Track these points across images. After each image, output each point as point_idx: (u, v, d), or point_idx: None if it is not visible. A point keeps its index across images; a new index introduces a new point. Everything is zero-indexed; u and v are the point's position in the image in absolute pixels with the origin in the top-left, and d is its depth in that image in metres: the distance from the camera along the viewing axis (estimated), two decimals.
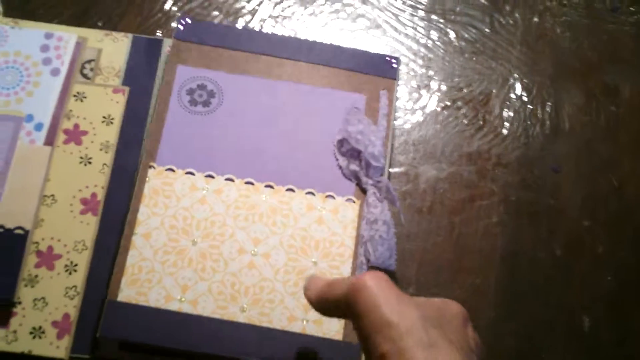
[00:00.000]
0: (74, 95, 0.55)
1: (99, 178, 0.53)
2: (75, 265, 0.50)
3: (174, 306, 0.48)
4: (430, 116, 0.59)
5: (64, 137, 0.53)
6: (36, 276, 0.49)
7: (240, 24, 0.62)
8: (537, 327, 0.53)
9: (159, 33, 0.60)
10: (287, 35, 0.61)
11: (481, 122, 0.59)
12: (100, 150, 0.53)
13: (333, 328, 0.48)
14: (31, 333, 0.48)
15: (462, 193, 0.56)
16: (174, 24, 0.60)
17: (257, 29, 0.62)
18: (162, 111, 0.54)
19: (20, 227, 0.50)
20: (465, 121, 0.59)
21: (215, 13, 0.62)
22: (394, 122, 0.58)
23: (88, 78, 0.56)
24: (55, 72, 0.55)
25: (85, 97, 0.55)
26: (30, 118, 0.53)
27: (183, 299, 0.48)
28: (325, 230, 0.51)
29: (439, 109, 0.60)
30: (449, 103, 0.60)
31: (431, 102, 0.60)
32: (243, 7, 0.63)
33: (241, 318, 0.48)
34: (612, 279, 0.54)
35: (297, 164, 0.53)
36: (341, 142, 0.54)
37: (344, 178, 0.53)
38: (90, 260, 0.50)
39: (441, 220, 0.55)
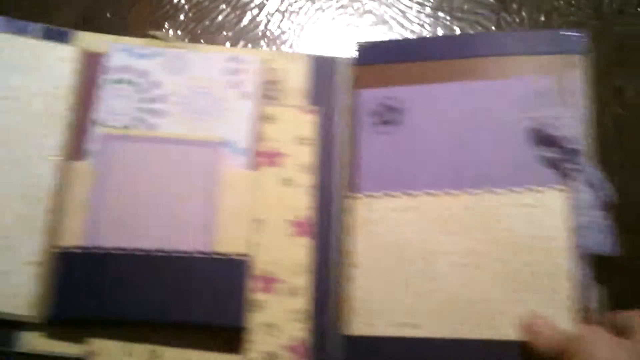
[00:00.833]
0: (265, 117, 0.55)
1: (305, 200, 0.53)
2: (298, 289, 0.50)
3: (406, 332, 0.48)
4: None
5: (261, 160, 0.54)
6: (260, 301, 0.50)
7: (247, 18, 0.62)
8: None
9: (166, 25, 0.61)
10: (456, 34, 0.61)
11: None
12: (301, 172, 0.54)
13: None
14: (264, 359, 0.49)
15: None
16: (351, 50, 0.60)
17: (264, 22, 0.62)
18: (352, 136, 0.54)
19: (238, 253, 0.50)
20: None
21: (223, 7, 0.63)
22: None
23: (274, 99, 0.56)
24: (244, 95, 0.55)
25: (276, 119, 0.55)
26: (228, 143, 0.53)
27: (413, 324, 0.48)
28: (535, 225, 0.49)
29: None
30: None
31: None
32: (251, 1, 0.63)
33: (464, 333, 0.48)
34: None
35: (493, 164, 0.51)
36: (535, 130, 0.51)
37: (542, 168, 0.51)
38: (311, 283, 0.51)
39: None
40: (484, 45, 0.56)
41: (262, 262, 0.51)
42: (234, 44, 0.61)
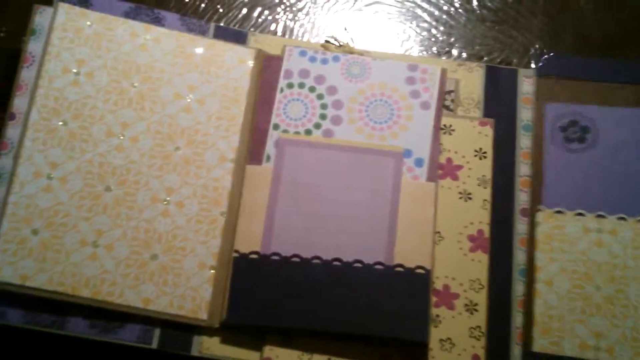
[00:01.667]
0: (441, 128, 0.54)
1: (482, 214, 0.52)
2: (475, 304, 0.50)
3: (589, 355, 0.48)
4: None
5: (439, 172, 0.53)
6: (437, 316, 0.50)
7: (255, 14, 0.62)
8: None
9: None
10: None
11: None
12: (478, 185, 0.53)
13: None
14: None
15: None
16: (531, 62, 0.59)
17: (269, 18, 0.62)
18: (538, 150, 0.54)
19: (420, 267, 0.50)
20: None
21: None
22: None
23: (450, 110, 0.55)
24: (425, 105, 0.54)
25: (453, 130, 0.54)
26: (409, 153, 0.53)
27: (600, 348, 0.48)
28: None
29: None
30: None
31: None
32: None
33: None
34: None
35: None
36: None
37: None
38: (489, 299, 0.50)
39: None
40: None
41: (441, 276, 0.51)
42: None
